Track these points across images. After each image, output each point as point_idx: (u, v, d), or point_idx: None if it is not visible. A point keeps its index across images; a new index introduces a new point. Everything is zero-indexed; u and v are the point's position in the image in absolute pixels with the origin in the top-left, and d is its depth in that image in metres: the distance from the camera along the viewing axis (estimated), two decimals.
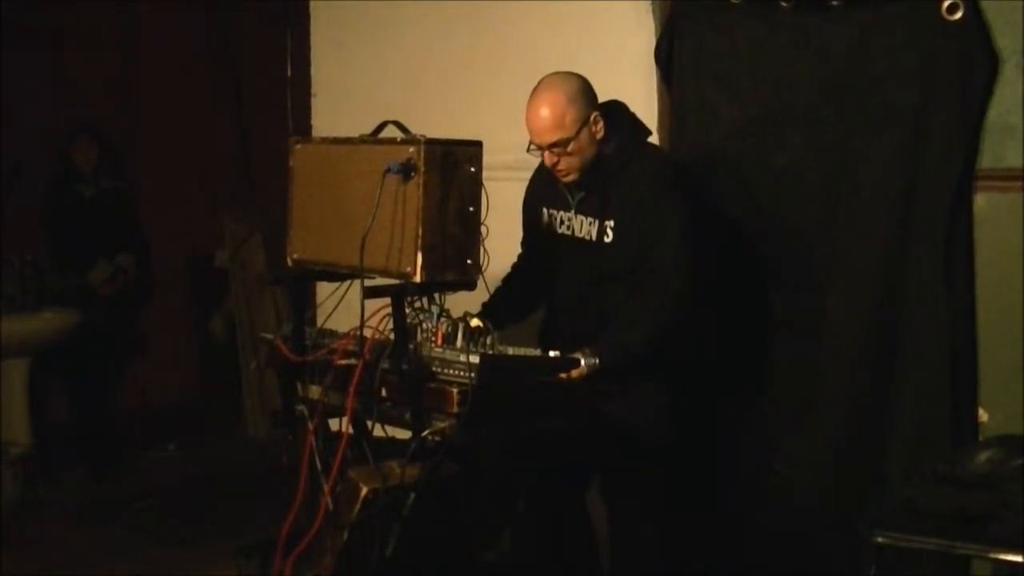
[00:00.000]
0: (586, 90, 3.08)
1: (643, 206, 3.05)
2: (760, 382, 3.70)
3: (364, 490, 2.67)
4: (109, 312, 5.73)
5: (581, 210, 3.16)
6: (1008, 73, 3.34)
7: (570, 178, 3.12)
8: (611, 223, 3.09)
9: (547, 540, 3.30)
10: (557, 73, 3.11)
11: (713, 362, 3.71)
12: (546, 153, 3.07)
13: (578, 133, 3.03)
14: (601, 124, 3.07)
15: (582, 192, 3.16)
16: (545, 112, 3.03)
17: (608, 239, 3.09)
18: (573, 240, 3.18)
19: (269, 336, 3.08)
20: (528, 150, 3.08)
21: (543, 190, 3.28)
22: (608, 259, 3.10)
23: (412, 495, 2.66)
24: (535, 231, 3.30)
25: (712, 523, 3.76)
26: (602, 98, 3.27)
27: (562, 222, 3.21)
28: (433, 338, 2.77)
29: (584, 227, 3.15)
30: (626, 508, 3.22)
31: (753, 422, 3.71)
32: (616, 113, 3.18)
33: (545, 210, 3.27)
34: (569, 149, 3.04)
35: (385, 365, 2.71)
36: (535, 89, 3.09)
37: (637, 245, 3.06)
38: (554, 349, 2.89)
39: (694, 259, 3.06)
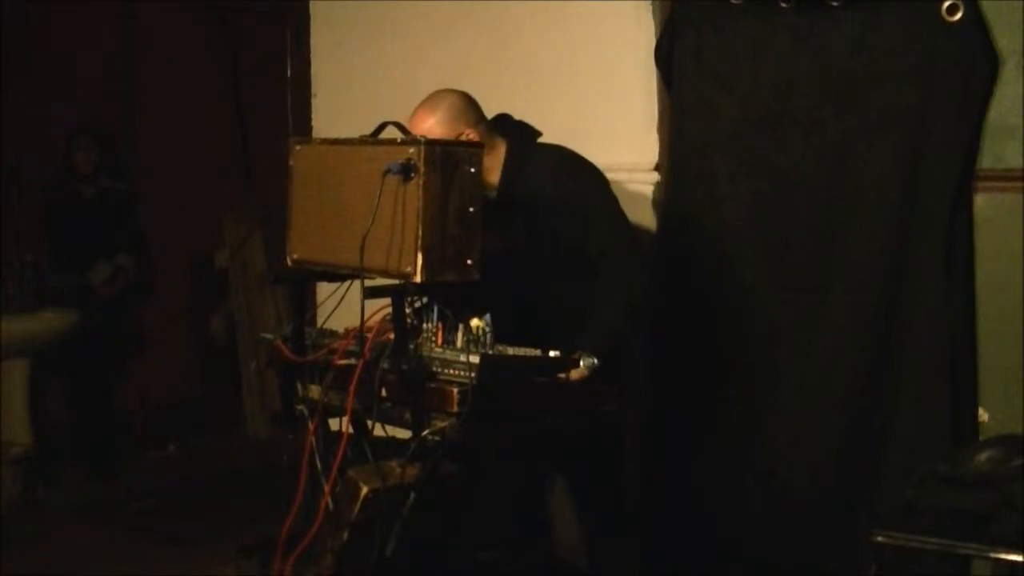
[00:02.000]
0: (459, 107, 3.16)
1: (555, 201, 3.10)
2: (760, 382, 3.70)
3: (364, 490, 2.67)
4: (109, 312, 5.73)
5: (489, 223, 3.17)
6: (1008, 73, 3.35)
7: None
8: (519, 225, 3.13)
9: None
10: (437, 90, 3.21)
11: (712, 361, 3.71)
12: None
13: None
14: (475, 139, 3.11)
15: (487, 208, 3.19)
16: (417, 128, 3.10)
17: (519, 240, 3.13)
18: (487, 254, 3.19)
19: (269, 336, 3.08)
20: None
21: None
22: (524, 261, 3.12)
23: (412, 495, 2.66)
24: None
25: (712, 523, 3.76)
26: (602, 98, 3.28)
27: None
28: (433, 338, 2.77)
29: (493, 236, 3.16)
30: (612, 507, 3.24)
31: (753, 422, 3.70)
32: (502, 122, 3.26)
33: None
34: None
35: (385, 365, 2.71)
36: (417, 105, 3.17)
37: (555, 242, 3.10)
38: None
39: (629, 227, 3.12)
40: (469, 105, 3.19)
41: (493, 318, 3.21)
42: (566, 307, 3.13)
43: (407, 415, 2.71)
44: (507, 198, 3.17)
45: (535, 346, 2.83)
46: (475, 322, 2.77)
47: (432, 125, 3.11)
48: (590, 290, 3.10)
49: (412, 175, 2.66)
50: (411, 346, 2.73)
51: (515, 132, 3.27)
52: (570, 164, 3.23)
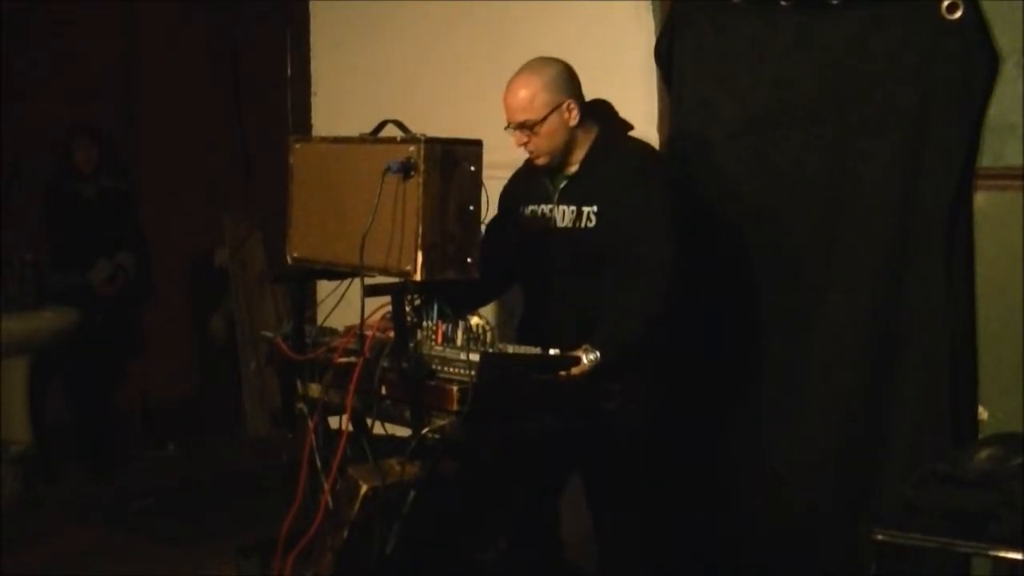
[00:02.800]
0: (565, 76, 3.13)
1: (628, 193, 3.08)
2: (760, 381, 3.70)
3: (364, 488, 2.66)
4: (109, 311, 5.73)
5: (563, 200, 3.18)
6: (1008, 72, 3.35)
7: (540, 160, 3.16)
8: (593, 208, 3.11)
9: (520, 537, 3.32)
10: (542, 57, 3.17)
11: (712, 360, 3.71)
12: (516, 132, 3.12)
13: (546, 117, 3.08)
14: (576, 112, 3.11)
15: (564, 181, 3.19)
16: (519, 92, 3.09)
17: (591, 224, 3.12)
18: (555, 231, 3.18)
19: (269, 335, 3.08)
20: (505, 128, 3.11)
21: (521, 187, 3.30)
22: (590, 244, 3.11)
23: (412, 493, 2.66)
24: (507, 229, 3.27)
25: (712, 523, 3.76)
26: (601, 97, 3.27)
27: (543, 215, 3.22)
28: (433, 336, 2.77)
29: (566, 216, 3.17)
30: (616, 506, 3.23)
31: (753, 421, 3.71)
32: (600, 106, 3.24)
33: (523, 208, 3.27)
34: (536, 131, 3.09)
35: (385, 363, 2.71)
36: (520, 68, 3.14)
37: (621, 231, 3.07)
38: (538, 343, 2.89)
39: (683, 248, 3.09)
40: (574, 77, 3.15)
41: (539, 298, 3.22)
42: (593, 301, 3.13)
43: (407, 413, 2.71)
44: (585, 181, 3.16)
45: (580, 335, 2.85)
46: (475, 320, 2.77)
47: (539, 87, 3.08)
48: (617, 293, 3.07)
49: (412, 173, 2.66)
50: (411, 344, 2.73)
51: (610, 120, 3.25)
52: (656, 166, 3.22)
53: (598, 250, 3.10)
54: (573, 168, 3.19)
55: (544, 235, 3.20)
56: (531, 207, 3.25)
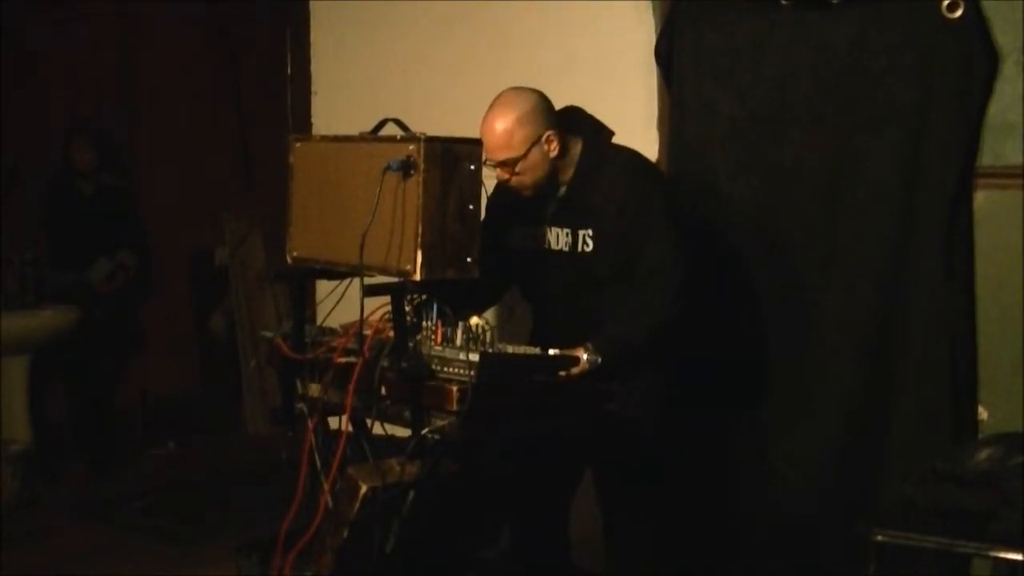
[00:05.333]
0: (540, 108, 3.04)
1: (624, 209, 3.03)
2: (760, 381, 3.70)
3: (363, 488, 2.67)
4: (109, 309, 5.73)
5: (555, 222, 3.12)
6: (1008, 71, 3.35)
7: (525, 193, 3.09)
8: (588, 232, 3.06)
9: (528, 539, 3.31)
10: (513, 89, 3.08)
11: (713, 360, 3.71)
12: (498, 169, 3.04)
13: (527, 153, 3.00)
14: (556, 143, 3.04)
15: (555, 204, 3.13)
16: (496, 129, 3.00)
17: (588, 248, 3.06)
18: (551, 255, 3.13)
19: (269, 334, 3.08)
20: (484, 163, 2.94)
21: (509, 205, 3.19)
22: (589, 268, 3.07)
23: (412, 493, 2.66)
24: (498, 243, 3.16)
25: (712, 522, 3.76)
26: (601, 97, 3.28)
27: (534, 237, 3.16)
28: (433, 336, 2.77)
29: (560, 239, 3.11)
30: (622, 507, 3.22)
31: (753, 421, 3.71)
32: (577, 119, 3.15)
33: (514, 228, 3.20)
34: (518, 168, 3.02)
35: (385, 363, 2.71)
36: (491, 104, 3.06)
37: (621, 250, 3.03)
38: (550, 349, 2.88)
39: (689, 254, 3.05)
40: (549, 106, 3.07)
41: (543, 317, 3.20)
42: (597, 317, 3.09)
43: (406, 413, 2.71)
44: (577, 203, 3.09)
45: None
46: (474, 320, 2.77)
47: (516, 124, 2.98)
48: (623, 298, 3.04)
49: (412, 172, 2.66)
50: (411, 344, 2.73)
51: (591, 131, 3.16)
52: (646, 174, 3.17)
53: (598, 271, 3.06)
54: (562, 190, 3.12)
55: (539, 258, 3.14)
56: (523, 228, 3.18)
